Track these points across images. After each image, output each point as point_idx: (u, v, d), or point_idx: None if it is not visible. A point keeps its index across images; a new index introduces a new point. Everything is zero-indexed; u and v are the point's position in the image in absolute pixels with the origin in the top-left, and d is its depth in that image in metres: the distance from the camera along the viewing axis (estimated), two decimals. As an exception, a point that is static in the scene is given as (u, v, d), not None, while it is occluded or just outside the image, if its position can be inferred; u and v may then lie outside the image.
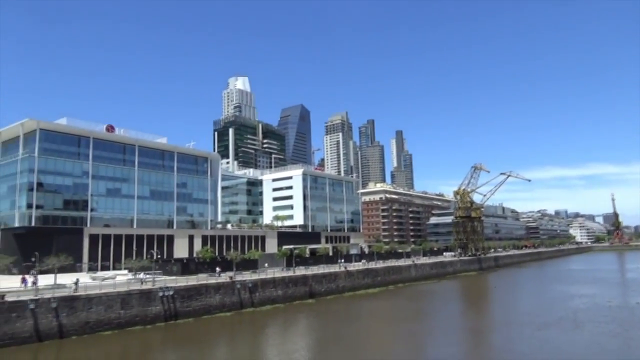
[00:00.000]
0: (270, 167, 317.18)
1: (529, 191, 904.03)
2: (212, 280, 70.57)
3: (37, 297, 49.18)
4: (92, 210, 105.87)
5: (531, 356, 43.19)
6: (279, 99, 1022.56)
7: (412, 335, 55.35)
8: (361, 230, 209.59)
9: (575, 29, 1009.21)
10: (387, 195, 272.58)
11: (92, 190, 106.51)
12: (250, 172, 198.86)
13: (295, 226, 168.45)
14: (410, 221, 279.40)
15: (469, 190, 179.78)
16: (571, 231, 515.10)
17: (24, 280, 63.22)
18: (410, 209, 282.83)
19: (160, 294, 59.47)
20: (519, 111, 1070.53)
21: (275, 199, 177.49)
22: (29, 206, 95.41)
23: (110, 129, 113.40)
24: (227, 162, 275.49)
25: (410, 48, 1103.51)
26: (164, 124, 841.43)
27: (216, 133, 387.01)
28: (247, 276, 77.05)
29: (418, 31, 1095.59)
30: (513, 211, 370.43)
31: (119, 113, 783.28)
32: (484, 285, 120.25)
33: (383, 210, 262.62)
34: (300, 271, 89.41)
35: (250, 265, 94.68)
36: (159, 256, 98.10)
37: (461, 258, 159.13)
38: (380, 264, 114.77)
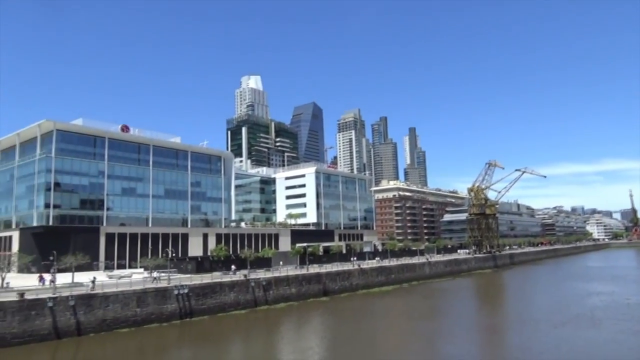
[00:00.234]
0: (283, 165, 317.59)
1: (544, 188, 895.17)
2: (227, 278, 71.02)
3: (55, 295, 49.97)
4: (108, 209, 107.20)
5: (548, 354, 42.72)
6: (291, 97, 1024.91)
7: (426, 332, 55.11)
8: (374, 228, 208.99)
9: (592, 20, 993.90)
10: (401, 193, 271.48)
11: (108, 189, 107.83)
12: (264, 171, 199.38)
13: (308, 224, 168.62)
14: (424, 218, 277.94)
15: (483, 187, 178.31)
16: (588, 228, 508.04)
17: (41, 279, 64.37)
18: (423, 207, 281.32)
19: (176, 292, 60.02)
20: (533, 106, 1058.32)
21: (288, 197, 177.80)
22: (47, 206, 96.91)
23: (125, 129, 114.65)
24: (241, 161, 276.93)
25: (423, 44, 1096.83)
26: (178, 124, 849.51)
27: (229, 132, 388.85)
28: (261, 274, 77.36)
29: (431, 27, 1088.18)
30: (528, 208, 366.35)
31: (133, 113, 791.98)
32: (499, 283, 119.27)
33: (396, 208, 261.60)
34: (314, 269, 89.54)
35: (264, 263, 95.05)
36: (174, 254, 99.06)
37: (476, 255, 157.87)
38: (394, 262, 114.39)
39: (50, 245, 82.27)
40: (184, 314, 60.64)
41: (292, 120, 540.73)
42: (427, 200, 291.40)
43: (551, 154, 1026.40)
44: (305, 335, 56.04)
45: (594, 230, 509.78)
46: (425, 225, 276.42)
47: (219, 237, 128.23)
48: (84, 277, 67.41)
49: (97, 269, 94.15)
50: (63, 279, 64.77)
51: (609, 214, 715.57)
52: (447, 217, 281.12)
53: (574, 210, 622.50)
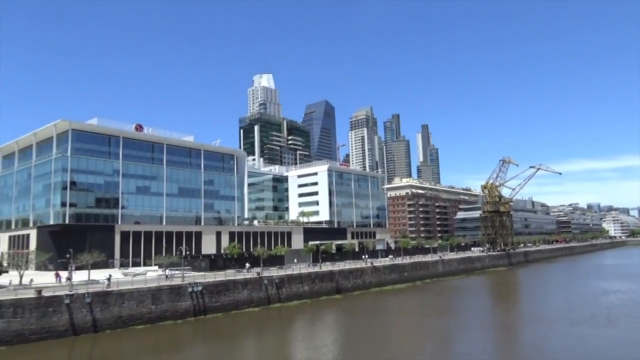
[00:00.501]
0: (296, 163, 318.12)
1: (559, 185, 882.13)
2: (240, 276, 71.42)
3: (72, 293, 50.71)
4: (122, 207, 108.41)
5: (563, 353, 42.27)
6: (303, 95, 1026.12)
7: (440, 331, 54.85)
8: (387, 226, 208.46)
9: (608, 11, 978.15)
10: (413, 190, 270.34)
11: (123, 188, 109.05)
12: (276, 169, 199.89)
13: (321, 222, 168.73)
14: (437, 216, 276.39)
15: (497, 184, 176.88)
16: (604, 225, 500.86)
17: (57, 276, 65.37)
18: (436, 204, 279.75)
19: (190, 289, 60.52)
20: (548, 102, 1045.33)
21: (300, 195, 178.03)
22: (63, 204, 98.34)
23: (139, 128, 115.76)
24: (253, 159, 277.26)
25: (435, 42, 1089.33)
26: (191, 123, 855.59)
27: (242, 130, 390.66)
28: (274, 272, 77.66)
29: (443, 24, 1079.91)
30: (543, 205, 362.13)
31: (147, 112, 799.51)
32: (513, 281, 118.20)
33: (409, 206, 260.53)
34: (327, 267, 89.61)
35: (277, 261, 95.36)
36: (187, 252, 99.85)
37: (490, 253, 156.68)
38: (407, 260, 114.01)
39: (66, 243, 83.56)
40: (198, 312, 61.13)
41: (304, 119, 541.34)
42: (440, 198, 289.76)
43: (566, 150, 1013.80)
44: (319, 333, 56.14)
45: (611, 228, 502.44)
46: (438, 222, 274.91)
47: (232, 235, 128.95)
48: (99, 274, 68.30)
49: (113, 267, 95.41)
50: (79, 276, 65.72)
51: (625, 211, 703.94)
52: (461, 214, 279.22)
53: (589, 207, 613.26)
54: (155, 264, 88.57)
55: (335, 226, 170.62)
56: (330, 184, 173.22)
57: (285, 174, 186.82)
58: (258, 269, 78.09)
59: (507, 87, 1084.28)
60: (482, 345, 47.00)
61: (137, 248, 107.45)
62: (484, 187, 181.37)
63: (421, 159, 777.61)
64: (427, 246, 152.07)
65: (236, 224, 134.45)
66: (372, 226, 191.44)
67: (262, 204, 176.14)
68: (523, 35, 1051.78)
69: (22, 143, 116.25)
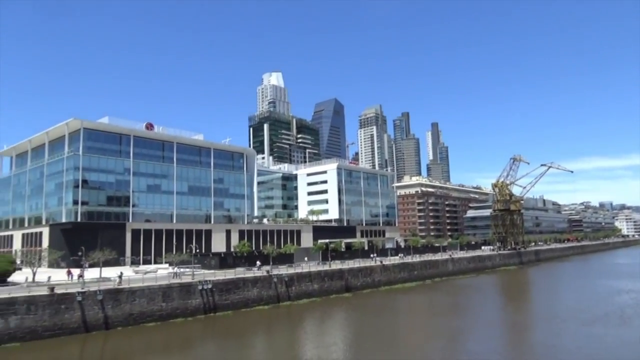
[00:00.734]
0: (305, 161, 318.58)
1: (571, 183, 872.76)
2: (250, 274, 71.66)
3: (84, 290, 51.19)
4: (133, 206, 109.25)
5: (576, 353, 41.84)
6: (312, 94, 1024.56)
7: (450, 329, 54.54)
8: (397, 224, 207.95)
9: (621, 9, 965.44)
10: (423, 189, 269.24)
11: (134, 186, 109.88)
12: (285, 167, 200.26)
13: (330, 220, 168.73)
14: (447, 214, 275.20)
15: (507, 182, 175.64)
16: (617, 224, 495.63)
17: (69, 273, 66.06)
18: (446, 202, 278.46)
19: (200, 287, 60.82)
20: (559, 100, 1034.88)
21: (310, 194, 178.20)
22: (75, 202, 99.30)
23: (150, 127, 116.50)
24: (263, 158, 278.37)
25: (444, 39, 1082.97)
26: (201, 121, 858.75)
27: (251, 129, 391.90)
28: (283, 270, 77.82)
29: (453, 22, 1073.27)
30: (554, 204, 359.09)
31: (157, 111, 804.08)
32: (524, 280, 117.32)
33: (419, 204, 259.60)
34: (336, 265, 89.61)
35: (286, 259, 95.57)
36: (197, 250, 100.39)
37: (500, 252, 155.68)
38: (416, 258, 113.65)
39: (78, 241, 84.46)
40: (208, 309, 61.43)
41: (314, 117, 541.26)
42: (450, 196, 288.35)
43: (578, 148, 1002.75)
44: (329, 331, 56.15)
45: (623, 226, 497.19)
46: (448, 221, 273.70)
47: (241, 233, 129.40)
48: (111, 272, 68.93)
49: (124, 265, 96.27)
50: (90, 274, 66.35)
51: (638, 209, 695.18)
52: (471, 213, 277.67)
53: (602, 205, 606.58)
54: (165, 262, 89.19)
55: (345, 224, 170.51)
56: (339, 182, 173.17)
57: (294, 172, 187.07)
58: (267, 267, 78.33)
59: (518, 85, 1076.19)
60: (493, 345, 46.68)
61: (147, 246, 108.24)
62: (494, 186, 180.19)
63: (431, 157, 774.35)
64: (436, 245, 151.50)
65: (246, 222, 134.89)
66: (381, 224, 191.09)
67: (272, 202, 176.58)
68: (534, 30, 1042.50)
69: (35, 142, 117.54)
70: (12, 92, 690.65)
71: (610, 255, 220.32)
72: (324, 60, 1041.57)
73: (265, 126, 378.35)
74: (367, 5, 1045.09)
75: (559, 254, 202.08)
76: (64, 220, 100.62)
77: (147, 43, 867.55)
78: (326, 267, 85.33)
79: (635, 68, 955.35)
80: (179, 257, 76.61)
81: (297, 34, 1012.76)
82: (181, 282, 60.80)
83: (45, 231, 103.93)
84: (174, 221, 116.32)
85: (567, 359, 40.11)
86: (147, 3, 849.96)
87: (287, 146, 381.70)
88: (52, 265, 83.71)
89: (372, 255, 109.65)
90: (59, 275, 66.66)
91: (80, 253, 71.99)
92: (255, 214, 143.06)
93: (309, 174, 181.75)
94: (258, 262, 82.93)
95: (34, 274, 61.82)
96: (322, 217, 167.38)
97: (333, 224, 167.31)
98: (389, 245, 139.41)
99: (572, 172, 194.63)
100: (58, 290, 49.81)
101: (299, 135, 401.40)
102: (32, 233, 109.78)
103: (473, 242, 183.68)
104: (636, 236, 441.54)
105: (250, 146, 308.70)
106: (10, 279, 60.91)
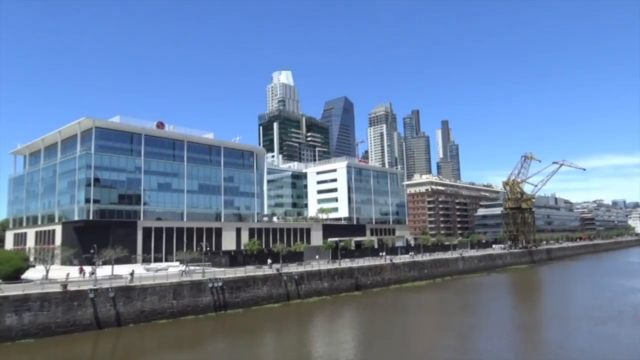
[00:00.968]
0: (315, 160, 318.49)
1: (583, 181, 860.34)
2: (260, 272, 71.88)
3: (96, 287, 51.73)
4: (144, 204, 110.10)
5: (589, 352, 41.38)
6: (322, 92, 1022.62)
7: (461, 328, 54.27)
8: (407, 223, 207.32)
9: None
10: (433, 187, 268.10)
11: (145, 185, 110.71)
12: (295, 166, 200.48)
13: (340, 219, 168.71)
14: (457, 213, 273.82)
15: (519, 180, 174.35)
16: (630, 222, 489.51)
17: (81, 271, 66.75)
18: (457, 201, 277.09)
19: (210, 285, 61.16)
20: (571, 97, 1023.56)
21: (319, 192, 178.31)
22: (87, 201, 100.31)
23: (161, 125, 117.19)
24: (272, 156, 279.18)
25: (455, 35, 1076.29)
26: (211, 120, 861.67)
27: (261, 127, 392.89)
28: (293, 268, 77.96)
29: (463, 18, 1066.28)
30: (566, 202, 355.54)
31: (168, 110, 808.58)
32: (536, 279, 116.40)
33: (429, 202, 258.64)
34: (346, 263, 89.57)
35: (296, 257, 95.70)
36: (208, 248, 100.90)
37: (511, 250, 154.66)
38: (426, 257, 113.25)
39: (90, 238, 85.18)
40: (219, 307, 61.75)
41: (323, 115, 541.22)
42: (461, 195, 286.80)
43: (591, 145, 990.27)
44: (339, 329, 56.18)
45: (637, 225, 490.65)
46: (458, 219, 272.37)
47: (251, 231, 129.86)
48: (122, 269, 69.54)
49: (135, 262, 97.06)
50: (102, 271, 66.98)
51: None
52: (481, 211, 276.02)
53: (614, 203, 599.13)
54: (176, 260, 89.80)
55: (354, 223, 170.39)
56: (349, 180, 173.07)
57: (304, 171, 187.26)
58: (277, 265, 78.53)
59: (529, 82, 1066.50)
60: (504, 343, 46.40)
61: (158, 244, 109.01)
62: (505, 184, 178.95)
63: (441, 155, 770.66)
64: (447, 243, 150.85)
65: (256, 221, 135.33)
66: (391, 223, 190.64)
67: (281, 200, 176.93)
68: (544, 28, 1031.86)
69: (47, 141, 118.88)
70: (24, 89, 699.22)
71: (623, 254, 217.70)
72: (333, 58, 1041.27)
73: (275, 125, 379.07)
74: (377, 3, 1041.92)
75: (571, 252, 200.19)
76: (76, 218, 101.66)
77: (156, 42, 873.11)
78: (336, 266, 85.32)
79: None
80: (190, 255, 77.01)
81: (306, 33, 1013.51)
82: (192, 279, 61.18)
83: (58, 229, 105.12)
84: (185, 219, 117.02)
85: (580, 358, 39.72)
86: (157, 3, 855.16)
87: (297, 144, 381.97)
88: (64, 262, 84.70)
89: (381, 254, 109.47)
90: (72, 273, 67.31)
91: (92, 251, 72.73)
92: (265, 212, 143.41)
93: (318, 173, 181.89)
94: (269, 260, 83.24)
95: (47, 271, 62.52)
96: (332, 215, 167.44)
97: (343, 222, 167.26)
98: (399, 244, 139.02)
99: (584, 169, 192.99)
100: (70, 288, 50.38)
101: (308, 134, 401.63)
102: (45, 231, 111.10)
103: (484, 241, 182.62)
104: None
105: (260, 145, 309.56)
106: (24, 276, 61.65)
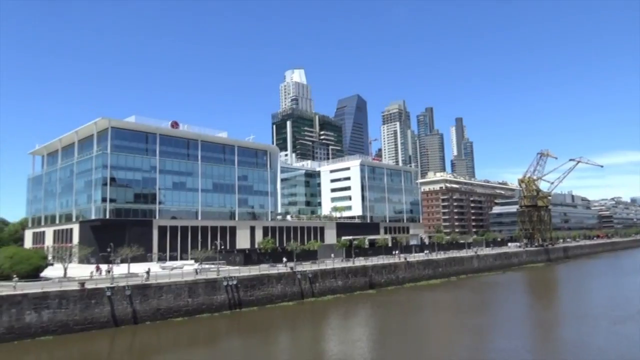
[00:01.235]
0: (328, 158, 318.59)
1: (601, 178, 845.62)
2: (274, 270, 72.15)
3: (113, 285, 52.41)
4: (160, 203, 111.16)
5: (607, 352, 40.73)
6: (335, 90, 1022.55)
7: (477, 326, 53.81)
8: (421, 221, 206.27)
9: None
10: (447, 185, 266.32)
11: (160, 184, 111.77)
12: (308, 164, 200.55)
13: (353, 217, 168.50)
14: (472, 211, 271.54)
15: (534, 178, 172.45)
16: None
17: (98, 269, 67.70)
18: (471, 199, 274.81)
19: (225, 283, 61.53)
20: (587, 92, 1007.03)
21: (333, 190, 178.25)
22: (104, 200, 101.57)
23: (175, 125, 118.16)
24: (286, 155, 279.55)
25: (469, 31, 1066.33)
26: (225, 119, 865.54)
27: (274, 126, 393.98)
28: (307, 267, 78.09)
29: (477, 13, 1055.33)
30: (584, 199, 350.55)
31: (181, 109, 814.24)
32: (552, 277, 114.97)
33: (443, 200, 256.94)
34: (360, 262, 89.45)
35: (310, 256, 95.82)
36: (222, 247, 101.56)
37: (527, 249, 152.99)
38: (441, 255, 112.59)
39: (107, 237, 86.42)
40: (233, 305, 62.12)
41: (336, 113, 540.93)
42: (475, 192, 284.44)
43: (608, 142, 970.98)
44: (353, 327, 56.12)
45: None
46: (473, 217, 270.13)
47: (265, 230, 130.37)
48: (138, 268, 70.31)
49: (151, 261, 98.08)
50: (118, 269, 67.80)
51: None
52: (497, 209, 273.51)
53: (633, 201, 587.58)
54: (191, 258, 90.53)
55: (368, 221, 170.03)
56: (362, 178, 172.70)
57: (317, 169, 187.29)
58: (291, 264, 78.75)
59: (545, 78, 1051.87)
60: (522, 342, 45.87)
61: (174, 242, 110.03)
62: (521, 181, 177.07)
63: (455, 152, 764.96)
64: (461, 241, 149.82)
65: (269, 219, 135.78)
66: (405, 221, 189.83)
67: (295, 199, 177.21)
68: (560, 23, 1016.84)
69: (65, 141, 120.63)
70: (37, 86, 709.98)
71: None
72: (346, 56, 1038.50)
73: (288, 123, 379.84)
74: (389, 1, 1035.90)
75: (589, 250, 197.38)
76: (93, 217, 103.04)
77: (170, 42, 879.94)
78: (350, 264, 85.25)
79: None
80: (205, 253, 77.63)
81: (319, 31, 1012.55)
82: (207, 278, 61.62)
83: (76, 228, 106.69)
84: (199, 218, 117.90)
85: (599, 358, 39.12)
86: (169, 2, 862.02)
87: (310, 143, 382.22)
88: (82, 261, 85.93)
89: (394, 252, 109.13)
90: (88, 271, 68.32)
91: (109, 249, 73.73)
92: (279, 210, 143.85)
93: (332, 171, 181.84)
94: (284, 259, 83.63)
95: (65, 270, 63.48)
96: (346, 213, 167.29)
97: (356, 220, 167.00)
98: (413, 242, 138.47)
99: (602, 166, 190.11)
100: (88, 286, 51.11)
101: (321, 132, 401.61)
102: (63, 230, 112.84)
103: (499, 239, 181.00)
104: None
105: (273, 143, 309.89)
106: (42, 274, 62.72)
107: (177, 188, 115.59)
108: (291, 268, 73.32)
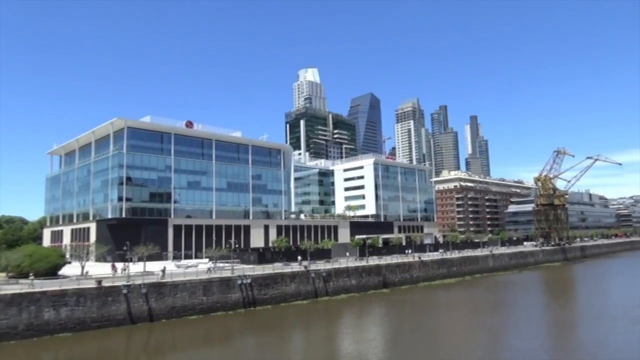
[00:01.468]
0: (341, 157, 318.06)
1: (619, 176, 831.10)
2: (287, 269, 72.39)
3: (129, 283, 53.10)
4: (175, 202, 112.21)
5: (626, 352, 40.11)
6: (348, 89, 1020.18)
7: (493, 326, 53.39)
8: (435, 220, 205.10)
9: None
10: (462, 183, 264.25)
11: (175, 183, 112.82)
12: (322, 163, 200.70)
13: (367, 216, 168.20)
14: (487, 210, 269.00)
15: (551, 176, 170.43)
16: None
17: (113, 267, 68.63)
18: (486, 197, 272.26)
19: (239, 282, 61.90)
20: (605, 88, 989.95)
21: (346, 189, 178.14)
22: (120, 199, 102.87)
23: (190, 125, 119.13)
24: (299, 154, 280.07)
25: (483, 29, 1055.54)
26: (238, 118, 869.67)
27: (288, 125, 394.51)
28: (321, 265, 78.18)
29: (491, 8, 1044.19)
30: (601, 198, 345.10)
31: (195, 109, 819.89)
32: (569, 277, 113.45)
33: (458, 199, 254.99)
34: (374, 261, 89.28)
35: (324, 254, 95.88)
36: (236, 245, 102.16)
37: (543, 248, 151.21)
38: (455, 254, 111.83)
39: (123, 236, 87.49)
40: (247, 303, 62.47)
41: (350, 112, 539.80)
42: (490, 191, 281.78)
43: (627, 139, 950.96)
44: (367, 326, 56.06)
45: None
46: (488, 216, 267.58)
47: (279, 228, 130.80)
48: (154, 266, 71.08)
49: (166, 259, 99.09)
50: (134, 267, 68.61)
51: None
52: (512, 208, 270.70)
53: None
54: (206, 257, 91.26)
55: (382, 220, 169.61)
56: (376, 177, 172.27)
57: (331, 168, 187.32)
58: (305, 263, 78.91)
59: (561, 74, 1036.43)
60: (538, 342, 45.36)
61: (188, 241, 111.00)
62: (537, 180, 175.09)
63: (470, 151, 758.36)
64: (476, 240, 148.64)
65: (283, 218, 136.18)
66: (419, 220, 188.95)
67: (309, 197, 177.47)
68: (576, 17, 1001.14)
69: (82, 141, 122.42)
70: (57, 87, 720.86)
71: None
72: (359, 54, 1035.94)
73: (302, 122, 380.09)
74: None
75: (607, 250, 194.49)
76: (109, 216, 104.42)
77: (183, 42, 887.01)
78: (363, 263, 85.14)
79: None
80: (219, 252, 78.18)
81: (332, 30, 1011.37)
82: (221, 276, 62.05)
83: (93, 226, 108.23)
84: (214, 217, 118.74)
85: (617, 358, 38.52)
86: (184, 2, 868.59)
87: (324, 142, 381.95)
88: (99, 259, 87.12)
89: (407, 251, 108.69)
90: (106, 269, 69.30)
91: (125, 248, 74.65)
92: (293, 209, 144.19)
93: (345, 170, 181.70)
94: (299, 257, 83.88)
95: (83, 267, 64.44)
96: (359, 212, 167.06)
97: (370, 219, 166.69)
98: (427, 241, 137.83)
99: (620, 164, 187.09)
100: (105, 284, 51.84)
101: (335, 131, 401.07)
102: (80, 228, 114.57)
103: (514, 238, 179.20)
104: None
105: (287, 142, 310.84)
106: (60, 272, 63.77)
107: (191, 187, 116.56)
108: (305, 267, 73.48)
